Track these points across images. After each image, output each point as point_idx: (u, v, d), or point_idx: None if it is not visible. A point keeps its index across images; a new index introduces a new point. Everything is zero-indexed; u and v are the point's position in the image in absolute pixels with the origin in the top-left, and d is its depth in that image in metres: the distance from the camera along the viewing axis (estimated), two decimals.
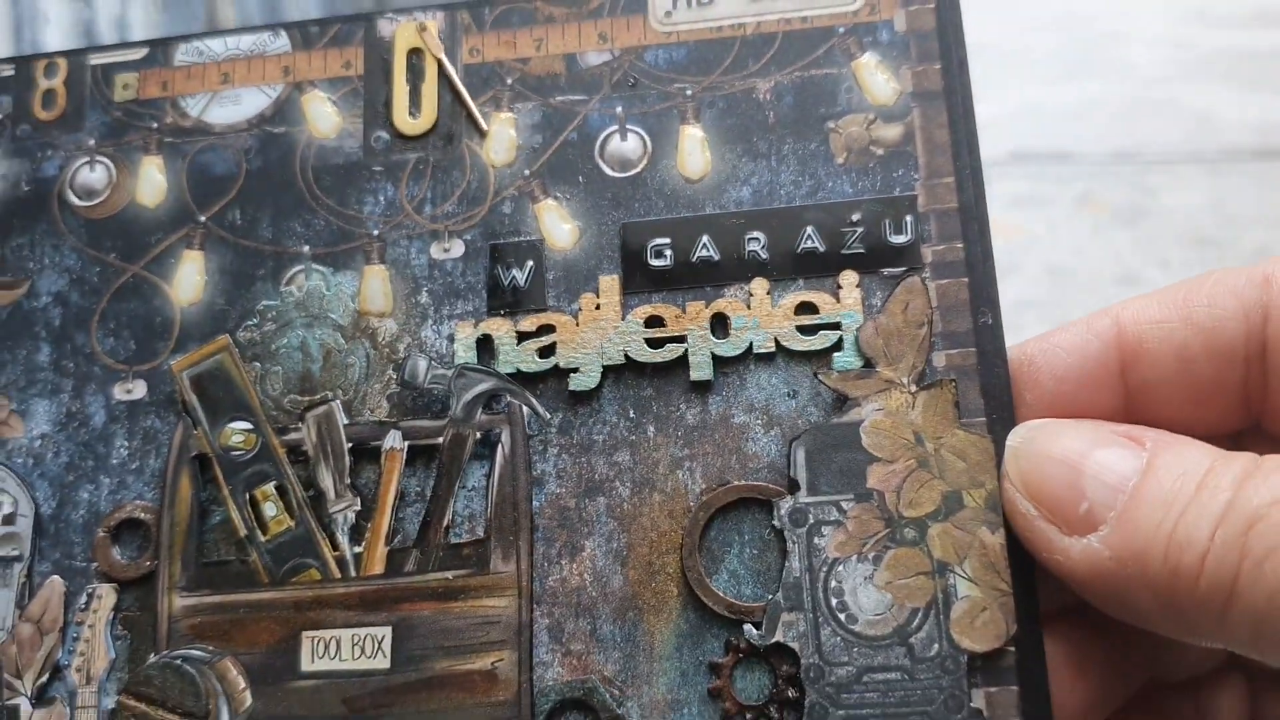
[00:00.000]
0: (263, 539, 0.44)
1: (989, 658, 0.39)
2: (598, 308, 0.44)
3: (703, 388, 0.43)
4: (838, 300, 0.43)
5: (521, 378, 0.44)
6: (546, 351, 0.44)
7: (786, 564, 0.41)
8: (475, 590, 0.42)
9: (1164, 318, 0.41)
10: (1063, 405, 0.41)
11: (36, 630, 0.44)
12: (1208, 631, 0.36)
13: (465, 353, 0.45)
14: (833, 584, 0.41)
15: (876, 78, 0.45)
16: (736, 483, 0.42)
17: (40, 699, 0.43)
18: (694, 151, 0.46)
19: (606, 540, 0.42)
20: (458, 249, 0.46)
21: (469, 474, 0.44)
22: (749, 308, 0.44)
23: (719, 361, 0.43)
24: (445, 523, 0.43)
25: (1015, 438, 0.40)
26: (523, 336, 0.45)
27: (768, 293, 0.44)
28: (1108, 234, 0.69)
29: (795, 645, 0.40)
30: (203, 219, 0.48)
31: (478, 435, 0.44)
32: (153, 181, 0.49)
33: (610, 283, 0.45)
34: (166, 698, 0.41)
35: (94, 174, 0.49)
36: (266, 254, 0.47)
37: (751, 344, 0.43)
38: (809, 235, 0.44)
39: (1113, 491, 0.37)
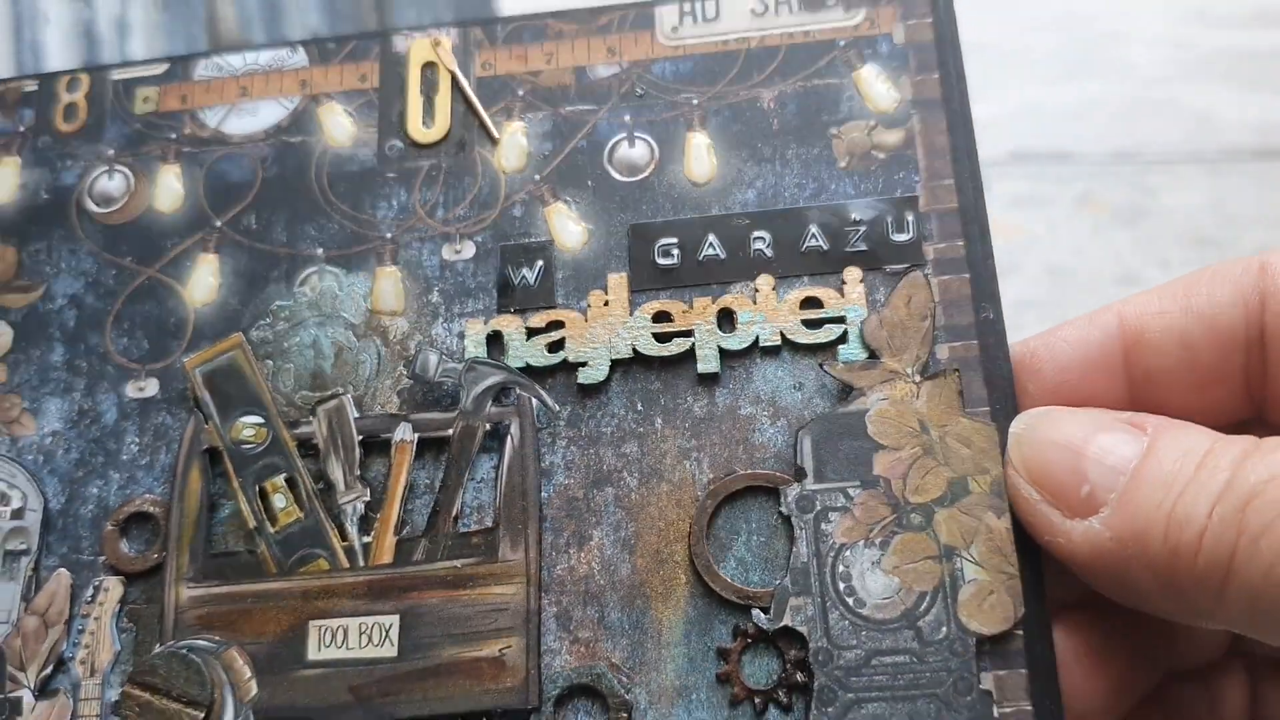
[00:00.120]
0: (272, 530, 0.44)
1: (997, 641, 0.40)
2: (606, 304, 0.45)
3: (710, 380, 0.44)
4: (842, 295, 0.44)
5: (531, 372, 0.45)
6: (556, 346, 0.45)
7: (794, 549, 0.41)
8: (484, 578, 0.42)
9: (1165, 308, 0.42)
10: (1066, 395, 0.42)
11: (42, 623, 0.44)
12: (1207, 611, 0.36)
13: (475, 348, 0.45)
14: (840, 569, 0.41)
15: (877, 87, 0.47)
16: (743, 471, 0.43)
17: (43, 691, 0.43)
18: (700, 156, 0.47)
19: (614, 529, 0.43)
20: (469, 250, 0.47)
21: (478, 466, 0.44)
22: (755, 303, 0.44)
23: (725, 355, 0.44)
24: (454, 513, 0.43)
25: (1018, 424, 0.41)
26: (532, 332, 0.45)
27: (773, 288, 0.45)
28: (1108, 234, 0.69)
29: (804, 629, 0.40)
30: (218, 223, 0.49)
31: (487, 427, 0.44)
32: (170, 189, 0.50)
33: (619, 280, 0.46)
34: (171, 687, 0.41)
35: (112, 182, 0.50)
36: (280, 256, 0.48)
37: (758, 338, 0.44)
38: (813, 234, 0.45)
39: (1114, 474, 0.38)
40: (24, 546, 0.45)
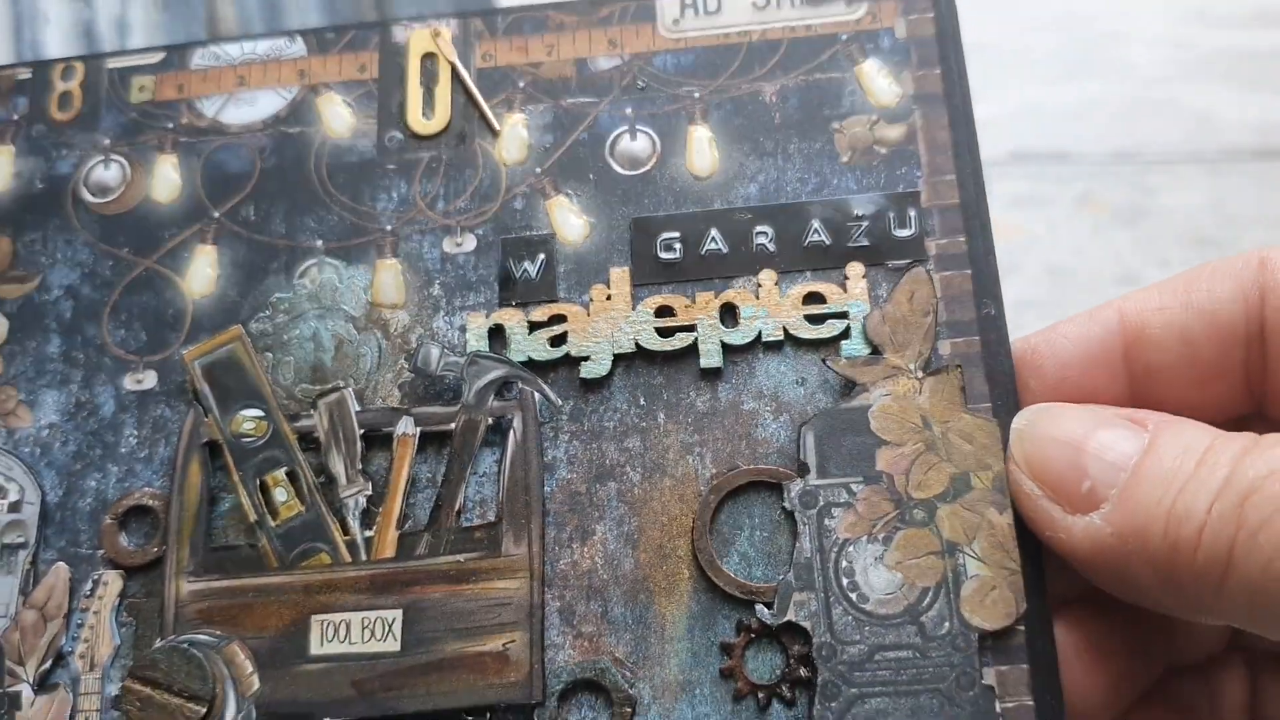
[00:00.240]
0: (273, 524, 0.44)
1: (999, 636, 0.40)
2: (608, 298, 0.45)
3: (712, 375, 0.44)
4: (845, 290, 0.44)
5: (533, 366, 0.45)
6: (558, 340, 0.45)
7: (797, 545, 0.41)
8: (487, 573, 0.42)
9: (1165, 304, 0.42)
10: (1067, 391, 0.42)
11: (40, 617, 0.44)
12: (1207, 606, 0.36)
13: (477, 342, 0.45)
14: (843, 564, 0.41)
15: (879, 81, 0.47)
16: (746, 467, 0.43)
17: (43, 685, 0.43)
18: (702, 150, 0.47)
19: (617, 524, 0.43)
20: (470, 243, 0.47)
21: (480, 460, 0.44)
22: (757, 298, 0.45)
23: (728, 350, 0.44)
24: (457, 508, 0.43)
25: (1020, 420, 0.41)
26: (534, 326, 0.45)
27: (776, 283, 0.45)
28: (1108, 234, 0.70)
29: (807, 624, 0.40)
30: (216, 214, 0.48)
31: (490, 421, 0.44)
32: (167, 179, 0.49)
33: (621, 274, 0.45)
34: (172, 681, 0.41)
35: (108, 172, 0.50)
36: (280, 248, 0.48)
37: (760, 333, 0.44)
38: (815, 229, 0.45)
39: (1115, 470, 0.38)
40: (22, 539, 0.45)
